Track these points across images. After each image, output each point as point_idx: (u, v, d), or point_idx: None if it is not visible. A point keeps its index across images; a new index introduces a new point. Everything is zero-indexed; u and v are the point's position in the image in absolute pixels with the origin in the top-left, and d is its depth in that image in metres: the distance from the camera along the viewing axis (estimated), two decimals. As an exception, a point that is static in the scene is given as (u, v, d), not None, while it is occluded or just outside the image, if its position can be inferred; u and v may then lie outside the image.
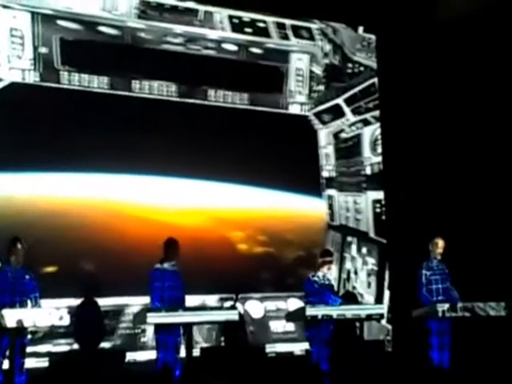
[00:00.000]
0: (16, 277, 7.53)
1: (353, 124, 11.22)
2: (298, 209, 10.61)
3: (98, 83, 9.53)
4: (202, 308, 8.37)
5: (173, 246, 8.32)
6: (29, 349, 8.02)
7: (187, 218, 9.77)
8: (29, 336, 8.10)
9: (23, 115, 8.96)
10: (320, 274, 8.78)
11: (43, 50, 9.24)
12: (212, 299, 9.62)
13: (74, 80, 9.40)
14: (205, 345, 9.27)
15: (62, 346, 8.77)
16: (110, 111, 9.51)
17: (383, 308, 9.47)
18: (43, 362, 8.31)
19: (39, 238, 8.50)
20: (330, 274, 9.05)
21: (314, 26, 11.14)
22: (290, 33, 10.93)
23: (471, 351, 8.71)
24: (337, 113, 11.14)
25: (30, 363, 7.99)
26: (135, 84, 9.75)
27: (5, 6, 9.07)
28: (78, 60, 9.41)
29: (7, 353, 7.32)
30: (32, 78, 9.16)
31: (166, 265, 8.28)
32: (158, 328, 8.15)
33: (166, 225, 9.50)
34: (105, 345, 9.03)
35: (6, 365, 7.36)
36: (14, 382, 7.27)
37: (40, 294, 7.73)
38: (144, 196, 9.57)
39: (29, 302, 7.64)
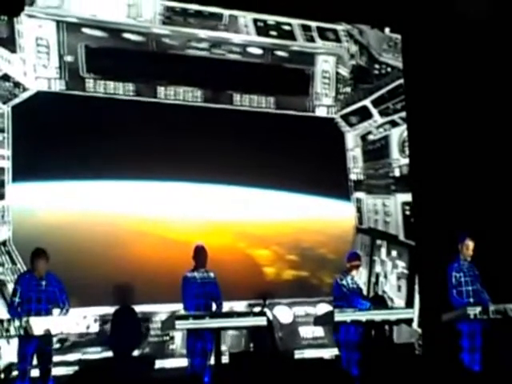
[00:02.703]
0: (41, 285, 7.56)
1: (380, 126, 11.09)
2: (327, 215, 10.52)
3: (123, 90, 9.56)
4: (230, 314, 8.30)
5: (199, 254, 8.35)
6: (58, 357, 8.08)
7: (210, 235, 9.63)
8: (58, 345, 8.15)
9: (50, 124, 8.99)
10: (348, 277, 8.68)
11: (69, 58, 9.29)
12: (240, 305, 9.57)
13: (99, 88, 9.44)
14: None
15: (91, 354, 8.78)
16: (136, 118, 9.52)
17: (412, 312, 9.36)
18: (73, 371, 8.33)
19: (65, 247, 8.58)
20: (358, 277, 8.97)
21: (340, 27, 11.04)
22: (315, 35, 10.84)
23: (503, 353, 8.57)
24: (364, 115, 11.03)
25: (59, 371, 8.03)
26: (160, 90, 9.77)
27: (30, 16, 9.13)
28: (103, 67, 9.44)
29: (34, 360, 7.37)
30: (58, 86, 9.20)
31: (195, 273, 8.31)
32: (187, 335, 8.17)
33: (181, 243, 9.39)
34: (134, 352, 9.04)
35: (33, 372, 7.40)
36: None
37: (67, 296, 7.76)
38: (163, 206, 9.53)
39: (57, 308, 7.66)
